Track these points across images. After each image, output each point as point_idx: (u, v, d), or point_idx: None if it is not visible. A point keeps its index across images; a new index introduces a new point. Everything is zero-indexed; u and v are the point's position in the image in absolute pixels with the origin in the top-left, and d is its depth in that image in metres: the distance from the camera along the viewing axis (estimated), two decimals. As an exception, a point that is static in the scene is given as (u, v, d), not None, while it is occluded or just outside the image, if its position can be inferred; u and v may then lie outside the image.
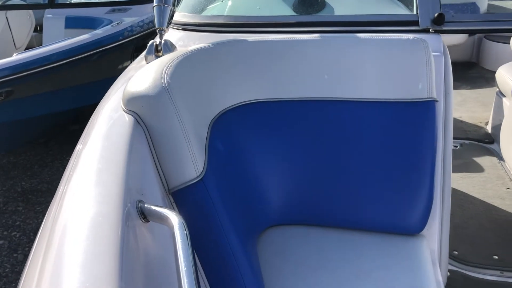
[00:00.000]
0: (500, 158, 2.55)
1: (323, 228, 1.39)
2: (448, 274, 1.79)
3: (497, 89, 2.67)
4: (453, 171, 2.34)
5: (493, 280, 1.79)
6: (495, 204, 2.20)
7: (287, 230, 1.38)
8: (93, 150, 0.87)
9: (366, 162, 1.33)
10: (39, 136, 3.46)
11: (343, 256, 1.28)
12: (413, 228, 1.35)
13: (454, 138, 2.67)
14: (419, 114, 1.30)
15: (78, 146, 0.95)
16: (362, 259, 1.27)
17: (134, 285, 0.65)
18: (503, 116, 2.55)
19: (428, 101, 1.30)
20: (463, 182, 2.34)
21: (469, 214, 2.14)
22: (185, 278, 0.63)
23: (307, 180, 1.35)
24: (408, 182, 1.33)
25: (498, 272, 1.82)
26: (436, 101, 1.31)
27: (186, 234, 0.69)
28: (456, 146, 2.64)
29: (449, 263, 1.82)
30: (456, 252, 1.90)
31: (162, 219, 0.74)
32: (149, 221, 0.79)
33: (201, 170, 1.03)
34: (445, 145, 1.41)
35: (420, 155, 1.31)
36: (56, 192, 0.83)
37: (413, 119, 1.30)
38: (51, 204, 0.82)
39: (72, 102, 3.21)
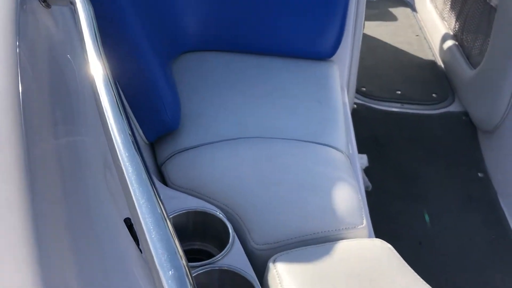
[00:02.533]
0: (413, 9, 2.70)
1: (239, 54, 1.46)
2: (355, 106, 1.98)
3: None
4: (369, 20, 2.46)
5: (394, 111, 2.02)
6: (404, 49, 2.38)
7: (203, 56, 1.43)
8: None
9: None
10: None
11: (258, 77, 1.38)
12: (324, 53, 1.47)
13: None
14: None
15: None
16: (277, 79, 1.38)
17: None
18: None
19: None
20: (377, 29, 2.48)
21: (380, 57, 2.32)
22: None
23: (224, 6, 1.39)
24: (323, 10, 1.41)
25: (399, 105, 2.05)
26: None
27: (92, 15, 0.62)
28: None
29: (356, 97, 2.01)
30: (364, 89, 2.09)
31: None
32: (50, 7, 0.69)
33: None
34: None
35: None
36: None
37: None
38: None
39: None
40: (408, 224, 1.57)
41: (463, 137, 1.93)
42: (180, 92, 1.21)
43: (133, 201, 0.45)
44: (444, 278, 1.41)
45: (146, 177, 0.48)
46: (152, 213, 0.44)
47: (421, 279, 0.82)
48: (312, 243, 0.88)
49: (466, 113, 2.00)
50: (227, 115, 1.21)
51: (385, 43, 2.42)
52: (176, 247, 0.42)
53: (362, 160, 1.61)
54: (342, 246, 0.86)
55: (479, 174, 1.77)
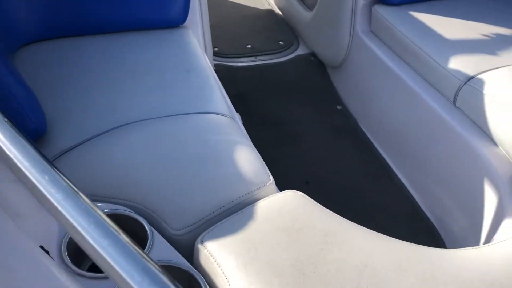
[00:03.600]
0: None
1: (88, 37, 1.34)
2: (214, 68, 1.98)
3: None
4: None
5: (250, 65, 2.07)
6: (243, 3, 2.43)
7: (48, 46, 1.28)
8: None
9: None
10: None
11: (117, 58, 1.28)
12: (176, 20, 1.42)
13: None
14: None
15: None
16: (137, 56, 1.29)
17: None
18: None
19: None
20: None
21: (223, 15, 2.33)
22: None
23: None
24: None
25: (253, 58, 2.10)
26: None
27: None
28: None
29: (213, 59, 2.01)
30: (216, 49, 2.09)
31: None
32: None
33: None
34: None
35: None
36: None
37: None
38: None
39: None
40: (290, 166, 1.66)
41: (316, 76, 2.06)
42: (36, 92, 1.07)
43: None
44: (338, 207, 1.53)
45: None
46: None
47: (339, 216, 0.88)
48: (230, 212, 0.88)
49: (313, 54, 2.13)
50: (96, 106, 1.11)
51: (225, 0, 2.43)
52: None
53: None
54: (260, 207, 0.87)
55: (338, 107, 1.93)
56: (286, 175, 1.62)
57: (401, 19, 1.62)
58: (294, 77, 2.06)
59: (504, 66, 1.35)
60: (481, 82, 1.31)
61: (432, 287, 0.75)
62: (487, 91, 1.27)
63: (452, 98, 1.39)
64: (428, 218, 1.48)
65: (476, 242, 1.23)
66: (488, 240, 1.17)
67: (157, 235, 0.82)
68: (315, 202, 0.90)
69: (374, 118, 1.75)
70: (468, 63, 1.38)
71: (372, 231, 0.86)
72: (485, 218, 1.22)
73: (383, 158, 1.69)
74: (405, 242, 0.84)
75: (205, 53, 1.58)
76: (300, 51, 2.17)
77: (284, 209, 0.87)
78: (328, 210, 0.89)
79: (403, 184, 1.59)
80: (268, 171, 0.98)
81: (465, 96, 1.35)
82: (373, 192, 1.59)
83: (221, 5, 2.39)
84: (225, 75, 1.98)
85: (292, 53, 2.17)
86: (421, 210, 1.51)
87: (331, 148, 1.76)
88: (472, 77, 1.33)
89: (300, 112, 1.88)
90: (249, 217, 0.85)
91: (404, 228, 1.46)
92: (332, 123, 1.85)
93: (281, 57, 2.14)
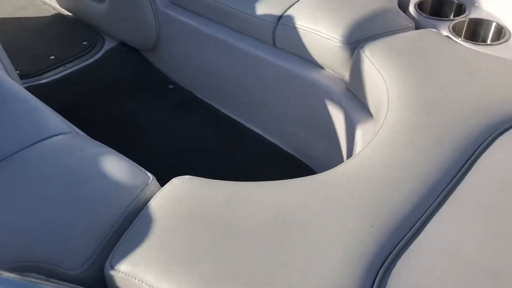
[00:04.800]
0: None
1: None
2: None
3: None
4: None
5: (61, 76, 1.90)
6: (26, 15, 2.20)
7: None
8: None
9: None
10: None
11: None
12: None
13: None
14: None
15: None
16: None
17: None
18: None
19: None
20: None
21: (10, 33, 2.08)
22: None
23: None
24: None
25: (61, 68, 1.93)
26: None
27: None
28: None
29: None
30: (18, 71, 1.87)
31: None
32: None
33: None
34: None
35: None
36: None
37: None
38: None
39: None
40: (150, 159, 1.61)
41: (135, 64, 1.99)
42: None
43: None
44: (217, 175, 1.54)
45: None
46: None
47: (227, 181, 0.89)
48: (126, 225, 0.82)
49: (123, 43, 2.04)
50: None
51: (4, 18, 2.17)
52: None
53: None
54: (154, 206, 0.83)
55: (170, 86, 1.90)
56: (152, 169, 1.57)
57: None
58: (113, 72, 1.96)
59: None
60: (290, 18, 1.41)
61: (318, 209, 0.81)
62: (298, 23, 1.38)
63: (272, 41, 1.47)
64: (293, 155, 1.58)
65: (341, 160, 1.36)
66: (349, 155, 1.31)
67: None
68: (202, 178, 0.90)
69: (209, 85, 1.78)
70: (273, 5, 1.46)
71: (260, 182, 0.89)
72: (339, 135, 1.36)
73: (232, 118, 1.73)
74: (288, 180, 0.89)
75: (12, 79, 1.41)
76: (108, 45, 2.06)
77: (179, 198, 0.84)
78: (216, 180, 0.90)
79: (259, 134, 1.66)
80: (144, 169, 0.93)
81: (281, 35, 1.44)
82: (236, 150, 1.64)
83: (2, 24, 2.13)
84: (41, 95, 1.79)
85: (100, 50, 2.05)
86: (284, 150, 1.60)
87: (179, 126, 1.74)
88: (281, 16, 1.43)
89: (135, 104, 1.82)
90: (148, 220, 0.81)
91: (278, 170, 1.54)
92: (170, 103, 1.83)
93: (90, 58, 2.01)
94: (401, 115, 1.02)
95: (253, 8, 1.48)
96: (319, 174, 0.92)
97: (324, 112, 1.37)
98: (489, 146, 0.96)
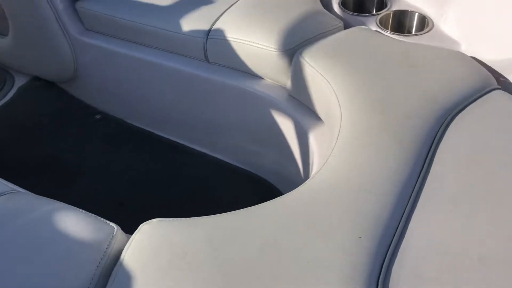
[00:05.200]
0: None
1: None
2: None
3: None
4: None
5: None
6: None
7: None
8: None
9: None
10: None
11: None
12: None
13: None
14: None
15: None
16: None
17: None
18: None
19: None
20: None
21: None
22: None
23: None
24: None
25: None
26: None
27: None
28: None
29: None
30: None
31: None
32: None
33: None
34: None
35: None
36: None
37: None
38: None
39: None
40: (89, 202, 1.50)
41: (53, 99, 1.85)
42: None
43: None
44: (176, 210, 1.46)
45: None
46: None
47: (201, 218, 0.83)
48: (102, 285, 0.74)
49: (37, 78, 1.89)
50: None
51: None
52: None
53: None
54: (131, 261, 0.76)
55: (97, 116, 1.79)
56: (98, 210, 1.46)
57: (113, 5, 1.55)
58: (31, 111, 1.81)
59: (227, 10, 1.43)
60: (219, 31, 1.37)
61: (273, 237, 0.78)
62: (229, 35, 1.34)
63: (204, 57, 1.42)
64: (247, 170, 1.54)
65: (297, 169, 1.34)
66: (305, 161, 1.29)
67: None
68: (173, 219, 0.84)
69: (141, 110, 1.69)
70: (199, 20, 1.42)
71: (235, 212, 0.84)
72: (290, 144, 1.34)
73: (173, 141, 1.66)
74: (263, 204, 0.85)
75: None
76: (20, 82, 1.90)
77: (154, 246, 0.78)
78: (188, 218, 0.84)
79: (205, 153, 1.60)
80: (104, 219, 0.85)
81: (213, 49, 1.40)
82: (183, 174, 1.57)
83: None
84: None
85: (11, 89, 1.88)
86: (234, 165, 1.56)
87: (116, 157, 1.64)
88: (210, 30, 1.38)
89: (62, 142, 1.68)
90: (125, 279, 0.73)
91: (234, 188, 1.50)
92: (100, 135, 1.72)
93: (1, 99, 1.84)
94: (356, 117, 1.02)
95: (179, 25, 1.43)
96: (291, 192, 0.89)
97: (271, 122, 1.35)
98: (444, 133, 0.99)
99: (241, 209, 0.85)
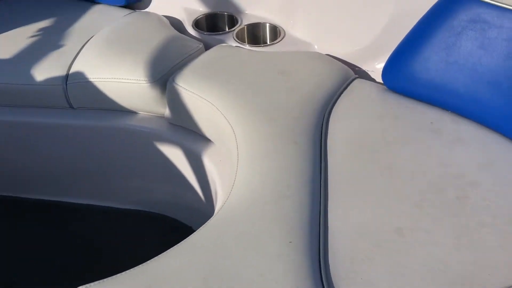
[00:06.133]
0: None
1: None
2: None
3: None
4: None
5: None
6: None
7: None
8: None
9: None
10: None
11: None
12: None
13: None
14: None
15: None
16: None
17: None
18: None
19: None
20: None
21: None
22: None
23: None
24: None
25: None
26: None
27: None
28: None
29: None
30: None
31: None
32: None
33: None
34: None
35: None
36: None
37: None
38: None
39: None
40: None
41: None
42: None
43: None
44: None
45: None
46: None
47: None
48: None
49: None
50: None
51: None
52: None
53: None
54: None
55: None
56: None
57: None
58: None
59: (80, 51, 1.35)
60: (78, 74, 1.29)
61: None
62: (90, 76, 1.28)
63: (67, 104, 1.33)
64: (150, 212, 1.47)
65: (196, 195, 1.32)
66: (203, 182, 1.28)
67: None
68: (98, 281, 0.77)
69: (18, 178, 1.50)
70: (51, 66, 1.32)
71: (160, 257, 0.80)
72: (183, 172, 1.32)
73: (64, 202, 1.51)
74: (187, 240, 0.83)
75: None
76: None
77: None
78: (110, 278, 0.77)
79: (99, 205, 1.49)
80: None
81: (76, 94, 1.31)
82: (92, 236, 1.44)
83: None
84: None
85: None
86: (136, 210, 1.48)
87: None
88: (67, 75, 1.30)
89: None
90: None
91: (144, 231, 1.42)
92: None
93: None
94: (249, 129, 1.06)
95: (30, 77, 1.31)
96: (212, 219, 0.88)
97: (157, 154, 1.32)
98: (328, 127, 1.08)
99: (163, 253, 0.80)
